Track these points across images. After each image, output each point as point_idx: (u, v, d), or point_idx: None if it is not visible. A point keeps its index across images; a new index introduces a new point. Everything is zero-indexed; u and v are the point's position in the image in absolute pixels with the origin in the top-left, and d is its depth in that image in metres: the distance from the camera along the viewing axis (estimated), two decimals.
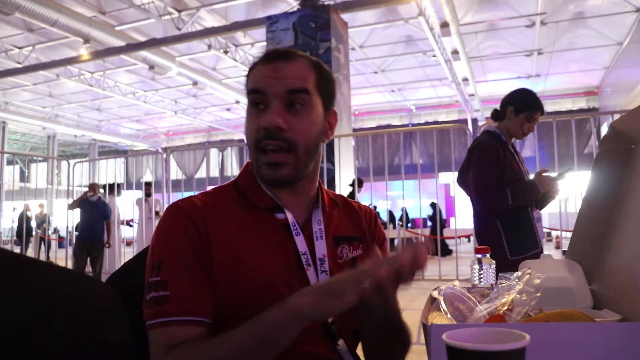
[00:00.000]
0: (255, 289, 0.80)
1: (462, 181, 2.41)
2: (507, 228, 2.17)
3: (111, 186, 7.30)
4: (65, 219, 7.90)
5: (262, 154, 0.84)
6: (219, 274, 0.81)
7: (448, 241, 9.43)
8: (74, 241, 6.33)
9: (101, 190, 6.59)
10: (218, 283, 0.80)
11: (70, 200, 7.66)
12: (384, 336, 0.86)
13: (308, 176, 0.90)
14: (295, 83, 0.84)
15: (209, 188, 0.95)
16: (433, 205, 9.40)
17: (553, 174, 2.29)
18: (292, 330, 0.70)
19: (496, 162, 2.18)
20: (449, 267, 5.98)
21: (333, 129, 0.93)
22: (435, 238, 6.50)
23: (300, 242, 0.87)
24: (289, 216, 0.88)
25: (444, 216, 8.40)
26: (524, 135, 2.29)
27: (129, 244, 8.64)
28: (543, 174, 2.23)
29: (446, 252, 8.84)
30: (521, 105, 2.26)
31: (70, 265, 7.26)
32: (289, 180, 0.85)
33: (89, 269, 5.98)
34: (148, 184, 7.72)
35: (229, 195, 0.90)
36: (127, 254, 7.48)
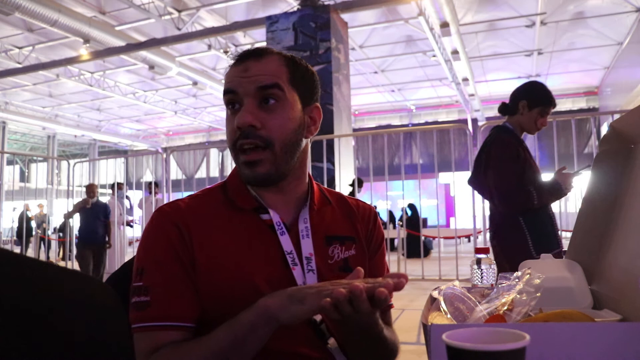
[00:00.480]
0: (239, 291, 0.79)
1: (476, 182, 2.31)
2: (532, 226, 2.09)
3: (112, 186, 7.28)
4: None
5: (240, 154, 0.84)
6: (203, 276, 0.81)
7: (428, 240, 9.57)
8: (76, 244, 6.26)
9: (101, 190, 6.57)
10: (202, 286, 0.80)
11: (71, 201, 7.66)
12: (363, 348, 0.85)
13: (293, 174, 0.89)
14: (265, 79, 0.83)
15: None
16: (411, 206, 9.39)
17: (571, 171, 2.22)
18: (264, 330, 0.71)
19: (516, 160, 2.11)
20: (449, 267, 5.98)
21: (317, 124, 0.92)
22: (435, 237, 6.49)
23: (286, 242, 0.86)
24: (274, 216, 0.87)
25: (423, 215, 8.32)
26: (537, 130, 2.22)
27: (129, 243, 8.64)
28: (563, 171, 2.17)
29: (426, 252, 8.85)
30: (535, 100, 2.18)
31: (70, 266, 7.25)
32: (269, 178, 0.85)
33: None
34: (153, 184, 7.66)
35: (215, 197, 0.90)
36: (127, 254, 7.48)
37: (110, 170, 20.86)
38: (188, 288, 0.80)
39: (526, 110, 2.19)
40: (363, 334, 0.81)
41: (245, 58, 0.85)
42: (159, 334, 0.76)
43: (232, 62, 0.87)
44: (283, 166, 0.85)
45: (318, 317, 0.85)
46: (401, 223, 7.20)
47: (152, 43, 9.93)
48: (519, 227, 2.10)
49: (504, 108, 2.29)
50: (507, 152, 2.12)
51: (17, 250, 9.30)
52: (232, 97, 0.85)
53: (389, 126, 18.23)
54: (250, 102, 0.83)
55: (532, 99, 2.19)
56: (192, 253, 0.81)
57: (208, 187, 0.94)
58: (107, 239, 6.03)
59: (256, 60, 0.84)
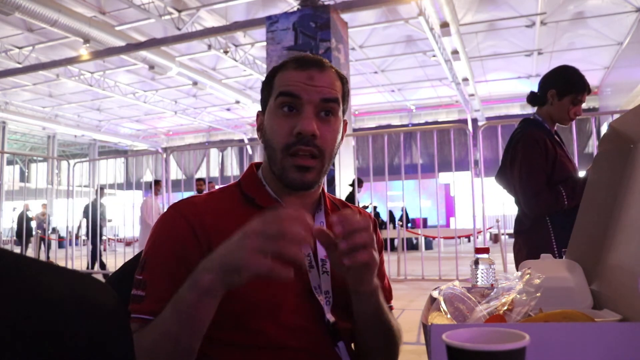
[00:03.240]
0: (255, 291, 0.80)
1: (502, 179, 2.12)
2: (558, 227, 1.91)
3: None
4: (66, 219, 7.90)
5: (291, 158, 0.85)
6: None
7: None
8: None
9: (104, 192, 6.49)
10: None
11: (71, 201, 7.64)
12: (373, 333, 0.87)
13: None
14: (329, 92, 0.86)
15: (217, 187, 0.96)
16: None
17: None
18: (207, 305, 0.69)
19: (545, 157, 1.91)
20: (449, 267, 5.98)
21: (343, 139, 0.96)
22: (434, 238, 6.49)
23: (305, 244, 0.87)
24: None
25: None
26: (571, 120, 2.00)
27: (128, 244, 8.64)
28: None
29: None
30: (565, 88, 1.97)
31: (71, 266, 7.24)
32: (312, 184, 0.87)
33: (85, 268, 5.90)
34: (200, 180, 7.53)
35: (233, 195, 0.91)
36: (127, 254, 7.48)
37: (110, 170, 20.88)
38: None
39: (556, 100, 1.98)
40: (372, 317, 0.84)
41: (309, 65, 0.87)
42: (141, 325, 0.78)
43: (290, 64, 0.88)
44: (324, 175, 0.89)
45: (332, 319, 0.86)
46: (401, 223, 7.20)
47: (152, 43, 9.92)
48: (544, 228, 1.93)
49: (533, 98, 2.07)
50: (534, 148, 1.92)
51: (17, 250, 9.30)
52: (291, 101, 0.86)
53: (389, 126, 18.23)
54: (311, 110, 0.85)
55: (561, 87, 1.97)
56: (210, 250, 0.81)
57: (221, 186, 0.95)
58: None
59: (320, 70, 0.87)
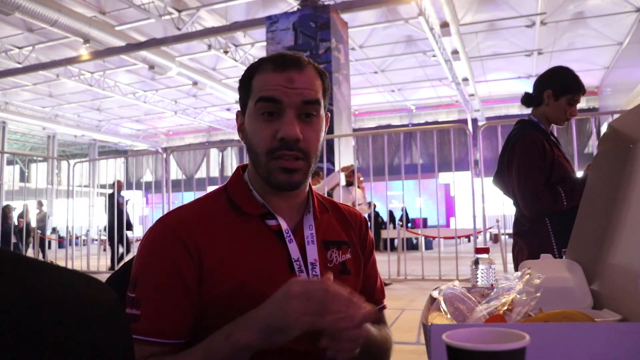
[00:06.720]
0: (247, 297, 0.79)
1: (500, 181, 2.12)
2: (558, 227, 1.91)
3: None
4: (65, 219, 7.90)
5: (276, 160, 0.84)
6: (210, 284, 0.80)
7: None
8: None
9: (101, 190, 6.46)
10: (208, 294, 0.80)
11: (71, 201, 7.64)
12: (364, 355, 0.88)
13: None
14: (310, 94, 0.84)
15: (208, 190, 0.95)
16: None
17: None
18: (241, 358, 0.72)
19: (542, 158, 1.91)
20: (449, 267, 5.98)
21: (326, 131, 0.95)
22: (435, 237, 6.48)
23: (293, 249, 0.87)
24: (282, 223, 0.87)
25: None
26: (567, 120, 2.01)
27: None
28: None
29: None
30: (562, 88, 1.97)
31: (71, 266, 7.24)
32: (299, 185, 0.86)
33: (86, 268, 5.88)
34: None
35: (220, 203, 0.89)
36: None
37: (110, 170, 20.88)
38: (181, 306, 0.79)
39: (552, 100, 1.99)
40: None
41: (287, 67, 0.84)
42: (147, 348, 0.77)
43: (268, 66, 0.86)
44: (309, 175, 0.88)
45: None
46: (401, 223, 7.20)
47: (152, 43, 9.93)
48: (544, 228, 1.92)
49: (528, 99, 2.07)
50: (531, 149, 1.91)
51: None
52: (272, 106, 0.84)
53: (389, 126, 18.24)
54: (293, 113, 0.83)
55: (558, 88, 1.97)
56: (201, 264, 0.81)
57: (209, 192, 0.94)
58: None
59: (298, 71, 0.84)
